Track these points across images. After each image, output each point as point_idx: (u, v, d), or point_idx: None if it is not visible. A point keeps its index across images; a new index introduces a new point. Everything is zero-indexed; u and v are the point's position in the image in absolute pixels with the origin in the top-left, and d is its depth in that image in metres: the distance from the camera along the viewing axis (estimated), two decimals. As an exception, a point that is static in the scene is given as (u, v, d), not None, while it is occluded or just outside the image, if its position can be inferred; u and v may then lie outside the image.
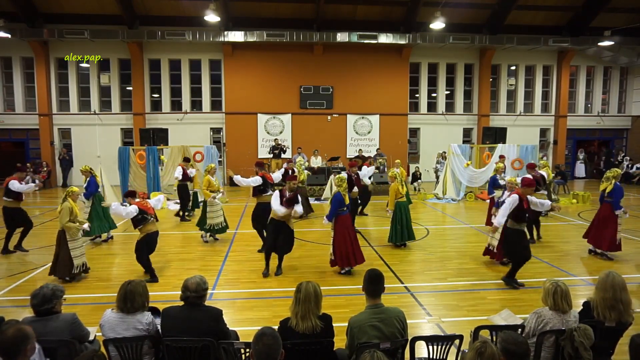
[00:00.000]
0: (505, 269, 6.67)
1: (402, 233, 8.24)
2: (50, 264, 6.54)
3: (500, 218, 6.02)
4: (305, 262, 7.42)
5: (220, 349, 3.10)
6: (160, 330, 3.33)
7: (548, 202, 6.31)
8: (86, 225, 6.63)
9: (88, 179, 8.73)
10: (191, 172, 11.55)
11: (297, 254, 7.63)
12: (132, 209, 6.30)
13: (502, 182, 8.47)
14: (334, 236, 6.74)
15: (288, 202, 6.54)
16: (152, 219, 6.58)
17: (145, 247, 6.46)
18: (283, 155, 17.11)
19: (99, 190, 9.01)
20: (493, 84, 20.27)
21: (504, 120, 19.71)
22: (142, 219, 6.38)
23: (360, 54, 18.76)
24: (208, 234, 8.89)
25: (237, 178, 7.74)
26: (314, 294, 3.17)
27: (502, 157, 12.88)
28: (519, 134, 18.95)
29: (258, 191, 7.92)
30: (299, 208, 6.61)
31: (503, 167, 9.57)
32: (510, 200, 5.92)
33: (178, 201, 13.62)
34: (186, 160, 12.02)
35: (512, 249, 6.12)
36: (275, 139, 17.87)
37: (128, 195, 6.68)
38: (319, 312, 3.18)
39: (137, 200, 6.54)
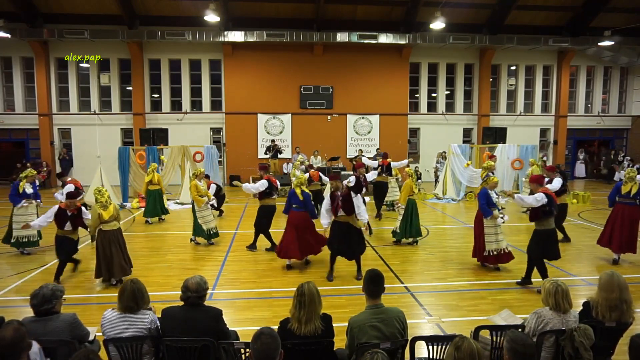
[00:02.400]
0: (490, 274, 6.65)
1: (410, 230, 8.39)
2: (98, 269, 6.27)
3: (525, 198, 6.01)
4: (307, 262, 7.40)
5: (220, 349, 3.10)
6: (160, 329, 3.33)
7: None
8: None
9: (32, 182, 8.20)
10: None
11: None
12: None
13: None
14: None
15: (344, 203, 6.28)
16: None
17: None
18: (280, 156, 17.11)
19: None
20: (493, 84, 20.26)
21: (504, 120, 19.70)
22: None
23: (360, 54, 18.75)
24: (200, 238, 8.54)
25: (246, 186, 7.64)
26: (316, 294, 3.16)
27: (493, 156, 12.85)
28: (519, 134, 18.94)
29: (264, 194, 7.77)
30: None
31: (493, 166, 9.48)
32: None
33: (178, 201, 13.66)
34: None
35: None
36: (272, 140, 17.85)
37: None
38: (320, 313, 3.17)
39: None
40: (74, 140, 18.63)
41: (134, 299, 3.23)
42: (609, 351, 3.44)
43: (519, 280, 6.31)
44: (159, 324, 3.33)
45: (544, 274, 5.99)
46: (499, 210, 6.83)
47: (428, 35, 17.83)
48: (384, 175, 11.19)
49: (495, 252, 6.74)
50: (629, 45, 18.95)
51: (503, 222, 6.76)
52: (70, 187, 6.97)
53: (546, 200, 5.79)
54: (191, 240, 8.74)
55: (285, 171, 16.54)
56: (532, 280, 6.20)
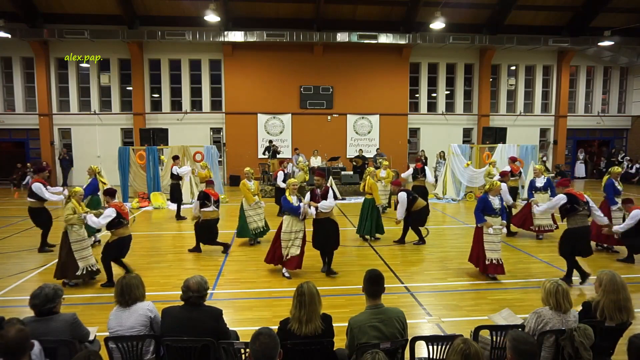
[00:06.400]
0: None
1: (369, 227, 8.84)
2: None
3: (543, 207, 6.38)
4: (304, 262, 7.38)
5: (220, 349, 3.10)
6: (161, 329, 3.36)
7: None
8: (90, 216, 6.20)
9: (90, 179, 8.69)
10: (183, 170, 11.45)
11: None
12: (109, 212, 6.06)
13: (539, 185, 8.93)
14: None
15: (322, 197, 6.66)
16: (127, 223, 6.32)
17: (115, 250, 6.26)
18: (278, 156, 17.08)
19: (98, 194, 8.67)
20: (493, 84, 20.26)
21: (504, 120, 19.70)
22: (118, 222, 6.15)
23: (360, 54, 18.75)
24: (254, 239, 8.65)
25: (195, 207, 7.92)
26: (316, 294, 3.16)
27: (513, 158, 12.38)
28: (519, 134, 18.93)
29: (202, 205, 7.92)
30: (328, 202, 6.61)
31: (543, 168, 9.64)
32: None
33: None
34: (175, 158, 11.89)
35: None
36: (270, 141, 17.80)
37: (107, 193, 6.37)
38: (320, 313, 3.17)
39: (116, 201, 6.32)
40: (74, 140, 18.64)
41: (122, 294, 3.32)
42: (609, 351, 3.44)
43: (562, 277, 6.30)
44: (158, 313, 3.38)
45: (578, 269, 6.26)
46: (503, 217, 6.47)
47: (428, 35, 17.83)
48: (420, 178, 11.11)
49: (495, 262, 6.36)
50: (629, 45, 18.96)
51: (498, 233, 6.43)
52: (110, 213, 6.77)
53: (565, 199, 6.05)
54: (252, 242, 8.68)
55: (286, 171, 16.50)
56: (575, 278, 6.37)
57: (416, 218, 8.47)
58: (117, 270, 6.58)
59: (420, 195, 11.32)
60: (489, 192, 6.46)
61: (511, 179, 9.50)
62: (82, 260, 6.21)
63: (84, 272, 6.20)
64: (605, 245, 8.10)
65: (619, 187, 8.10)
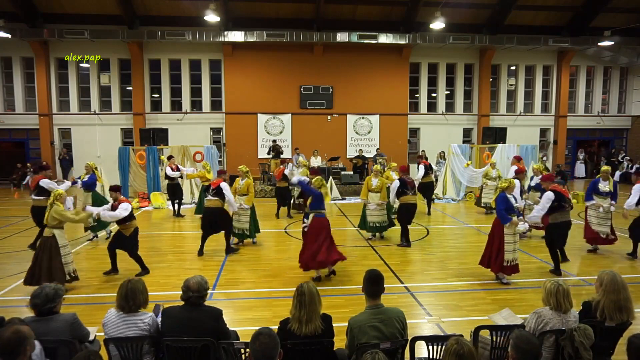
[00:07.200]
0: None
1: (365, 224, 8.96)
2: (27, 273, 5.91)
3: (536, 211, 6.52)
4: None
5: (220, 349, 3.10)
6: (161, 329, 3.34)
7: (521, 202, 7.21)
8: (104, 211, 6.39)
9: (89, 175, 8.97)
10: (174, 173, 11.42)
11: (293, 254, 7.60)
12: (127, 206, 6.44)
13: (533, 184, 9.01)
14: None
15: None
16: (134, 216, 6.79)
17: (136, 240, 6.72)
18: (281, 156, 17.10)
19: (96, 189, 8.92)
20: (493, 84, 20.26)
21: (504, 120, 19.70)
22: (130, 215, 6.55)
23: (360, 54, 18.75)
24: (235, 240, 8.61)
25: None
26: (316, 294, 3.16)
27: (518, 157, 12.30)
28: (519, 134, 18.92)
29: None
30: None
31: (542, 167, 9.54)
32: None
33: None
34: (169, 158, 11.90)
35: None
36: (274, 141, 17.86)
37: (115, 189, 6.73)
38: (320, 313, 3.17)
39: (122, 197, 6.73)
40: (74, 140, 18.64)
41: (125, 298, 3.24)
42: (609, 351, 3.44)
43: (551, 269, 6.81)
44: (159, 325, 3.34)
45: (556, 262, 6.69)
46: (518, 215, 6.37)
47: (428, 35, 17.82)
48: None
49: (513, 263, 6.23)
50: (629, 45, 18.96)
51: (524, 231, 6.46)
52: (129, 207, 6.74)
53: (554, 197, 6.26)
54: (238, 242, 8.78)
55: (286, 171, 16.51)
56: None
57: (403, 212, 8.38)
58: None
59: (426, 190, 11.64)
60: (506, 190, 6.23)
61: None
62: (66, 266, 6.02)
63: (69, 278, 6.03)
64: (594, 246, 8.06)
65: (602, 188, 7.83)
